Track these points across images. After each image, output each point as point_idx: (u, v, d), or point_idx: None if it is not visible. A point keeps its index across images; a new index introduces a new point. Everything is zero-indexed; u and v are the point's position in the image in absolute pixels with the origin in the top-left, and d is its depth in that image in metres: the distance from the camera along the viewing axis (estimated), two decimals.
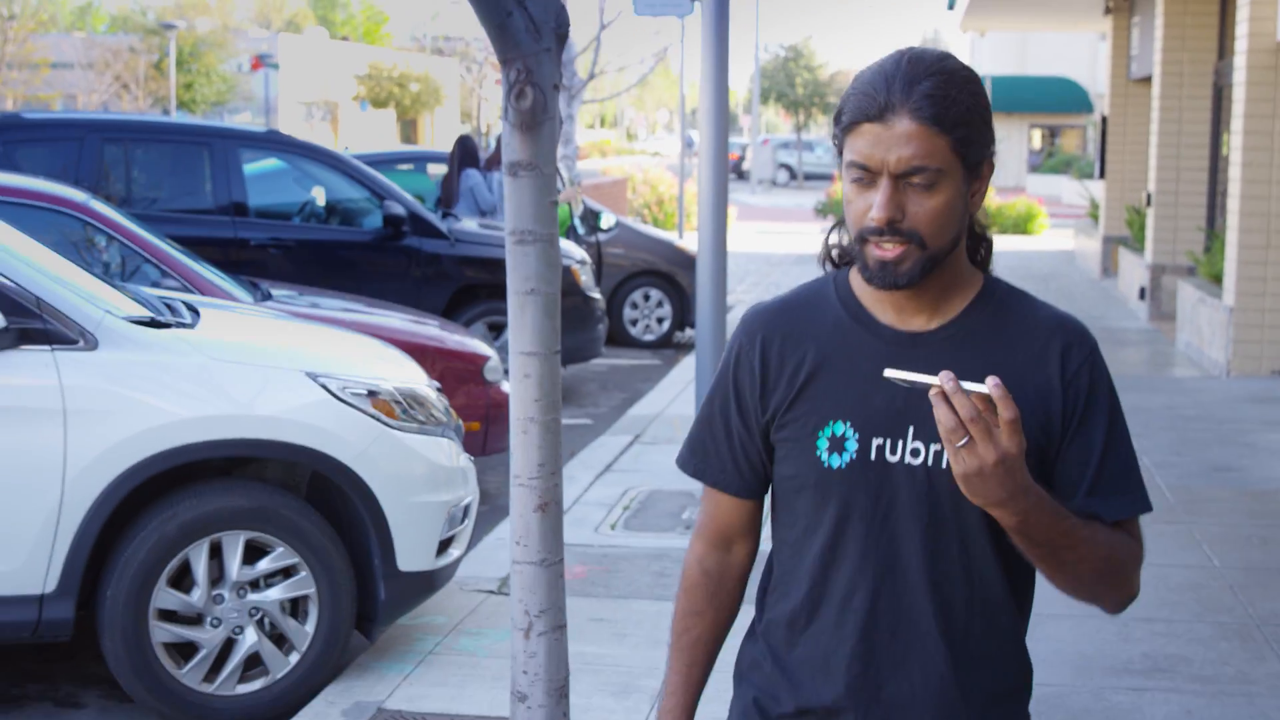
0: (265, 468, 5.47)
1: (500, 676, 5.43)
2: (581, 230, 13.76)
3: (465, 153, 13.59)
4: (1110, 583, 2.19)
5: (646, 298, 14.90)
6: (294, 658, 5.28)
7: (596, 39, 19.21)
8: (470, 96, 76.46)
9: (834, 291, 2.29)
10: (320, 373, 5.38)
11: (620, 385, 12.57)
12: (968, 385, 1.95)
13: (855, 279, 2.27)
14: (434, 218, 10.93)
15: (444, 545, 5.60)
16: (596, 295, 11.84)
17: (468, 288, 10.94)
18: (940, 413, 1.95)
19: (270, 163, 11.19)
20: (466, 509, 5.79)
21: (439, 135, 68.92)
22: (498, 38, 4.10)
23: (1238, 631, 5.98)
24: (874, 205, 2.11)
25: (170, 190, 10.35)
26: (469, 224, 11.46)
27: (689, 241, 16.96)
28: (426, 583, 5.57)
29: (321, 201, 11.18)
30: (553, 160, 4.28)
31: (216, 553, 5.18)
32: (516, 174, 4.22)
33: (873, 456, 2.19)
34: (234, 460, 5.35)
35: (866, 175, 2.12)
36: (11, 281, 5.00)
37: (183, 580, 5.17)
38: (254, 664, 5.28)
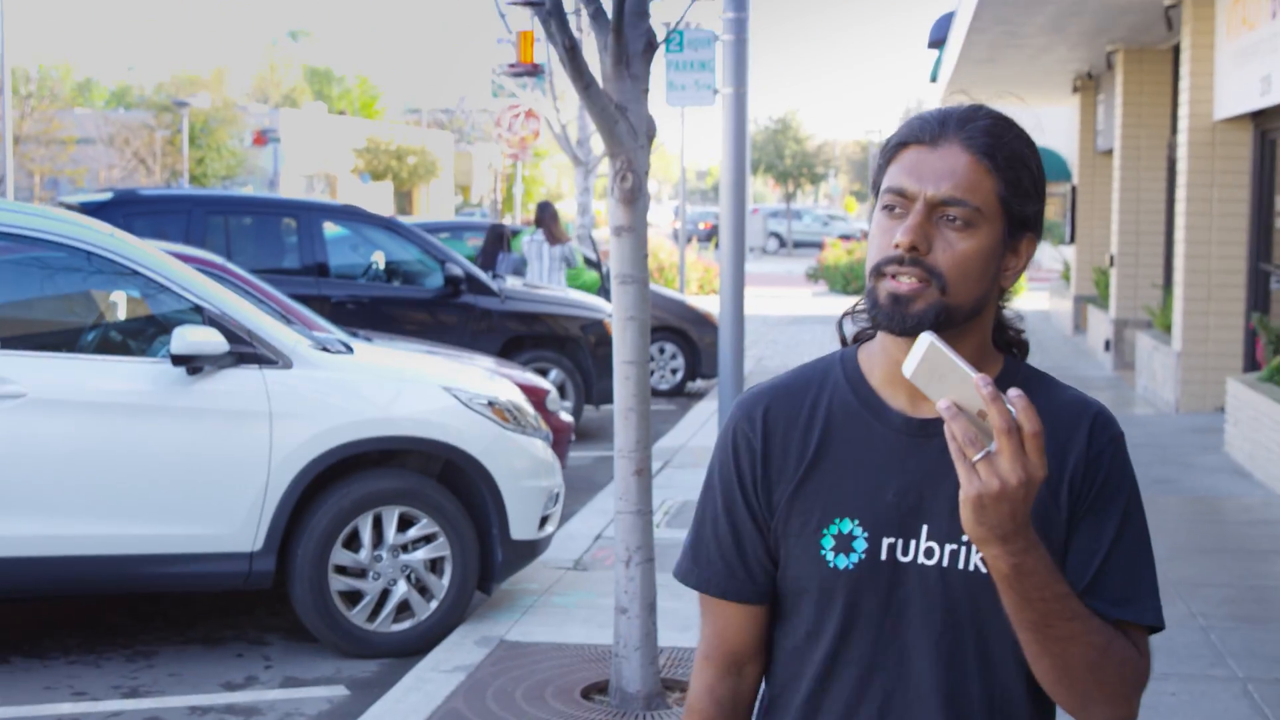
0: (408, 459, 7.13)
1: (587, 622, 7.09)
2: (609, 290, 15.51)
3: (498, 235, 15.49)
4: (1104, 686, 1.90)
5: (662, 351, 16.58)
6: (434, 604, 6.94)
7: None
8: (464, 170, 78.48)
9: (841, 372, 2.07)
10: (452, 387, 7.09)
11: None
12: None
13: (865, 358, 2.06)
14: (487, 278, 12.67)
15: (543, 521, 7.28)
16: None
17: (515, 338, 12.67)
18: (959, 425, 1.73)
19: (338, 229, 12.93)
20: (557, 495, 7.47)
21: (434, 206, 70.79)
22: (608, 138, 5.90)
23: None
24: (902, 229, 1.91)
25: (264, 254, 12.06)
26: (515, 283, 13.21)
27: (695, 302, 18.68)
28: (530, 550, 7.25)
29: (382, 264, 12.89)
30: (644, 224, 6.04)
31: (378, 523, 6.86)
32: (620, 234, 6.02)
33: (883, 557, 1.98)
34: (388, 453, 7.02)
35: (901, 202, 1.93)
36: (232, 318, 6.70)
37: (352, 543, 6.84)
38: (404, 609, 6.93)
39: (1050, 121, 50.34)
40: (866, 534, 1.98)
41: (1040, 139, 45.80)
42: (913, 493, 1.97)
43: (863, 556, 1.98)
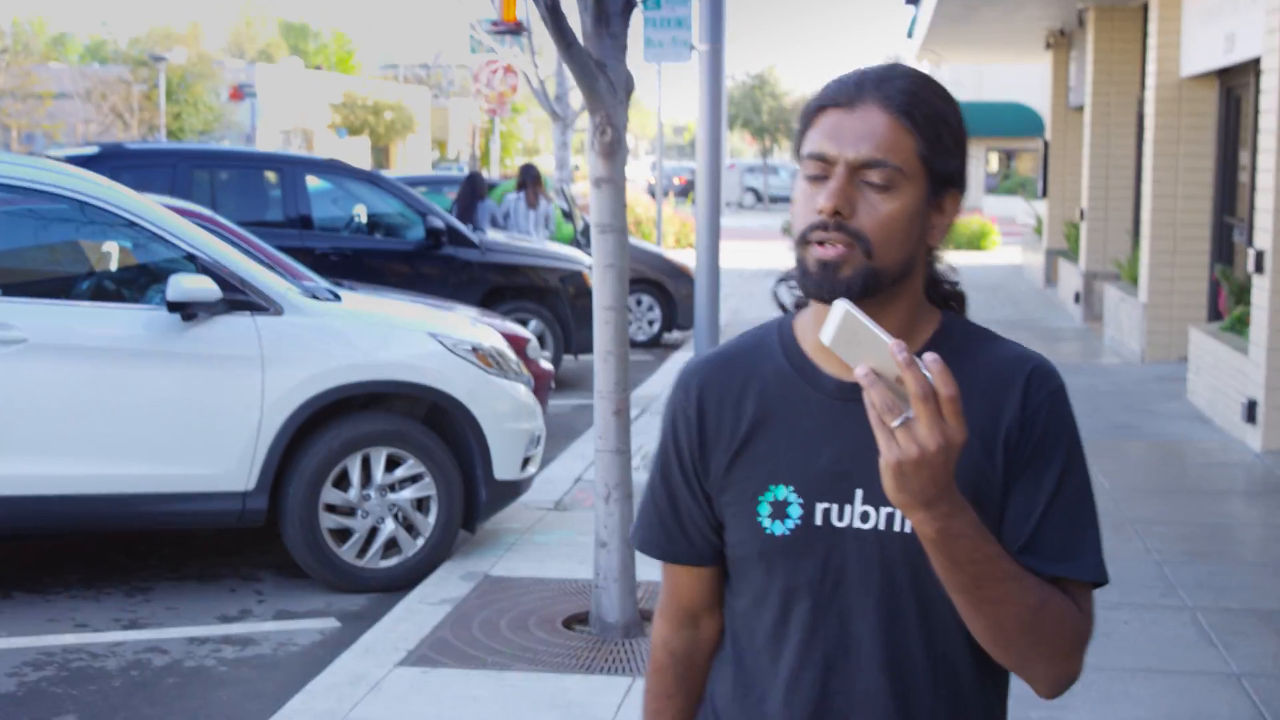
0: (394, 402, 7.40)
1: (568, 559, 7.39)
2: (584, 242, 15.76)
3: (475, 185, 15.71)
4: (1041, 646, 1.87)
5: (639, 303, 16.83)
6: (420, 541, 7.22)
7: None
8: (440, 125, 78.43)
9: (777, 340, 2.06)
10: (438, 333, 7.35)
11: None
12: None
13: (800, 325, 2.05)
14: (468, 230, 12.91)
15: (525, 463, 7.56)
16: None
17: (495, 289, 12.92)
18: (877, 392, 1.69)
19: (320, 183, 13.13)
20: (538, 438, 7.75)
21: (411, 161, 70.82)
22: (589, 95, 6.14)
23: (1115, 528, 7.97)
24: (824, 194, 1.89)
25: (248, 207, 12.27)
26: (495, 236, 13.45)
27: (672, 255, 18.94)
28: (513, 489, 7.53)
29: (364, 217, 13.11)
30: (623, 176, 6.30)
31: (366, 463, 7.12)
32: (599, 186, 6.27)
33: (818, 522, 1.97)
34: (375, 396, 7.28)
35: (822, 167, 1.91)
36: (224, 266, 6.94)
37: (342, 483, 7.11)
38: (391, 546, 7.21)
39: (1022, 76, 50.66)
40: (801, 500, 1.97)
41: (1013, 94, 45.94)
42: (846, 457, 1.95)
43: (798, 522, 1.97)
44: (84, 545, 7.86)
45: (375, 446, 7.13)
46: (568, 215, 16.84)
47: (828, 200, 1.88)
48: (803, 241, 1.92)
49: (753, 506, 2.00)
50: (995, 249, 33.07)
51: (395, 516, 7.19)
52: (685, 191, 60.60)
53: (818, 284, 1.90)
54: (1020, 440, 1.92)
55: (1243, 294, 11.45)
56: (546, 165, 57.32)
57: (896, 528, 1.94)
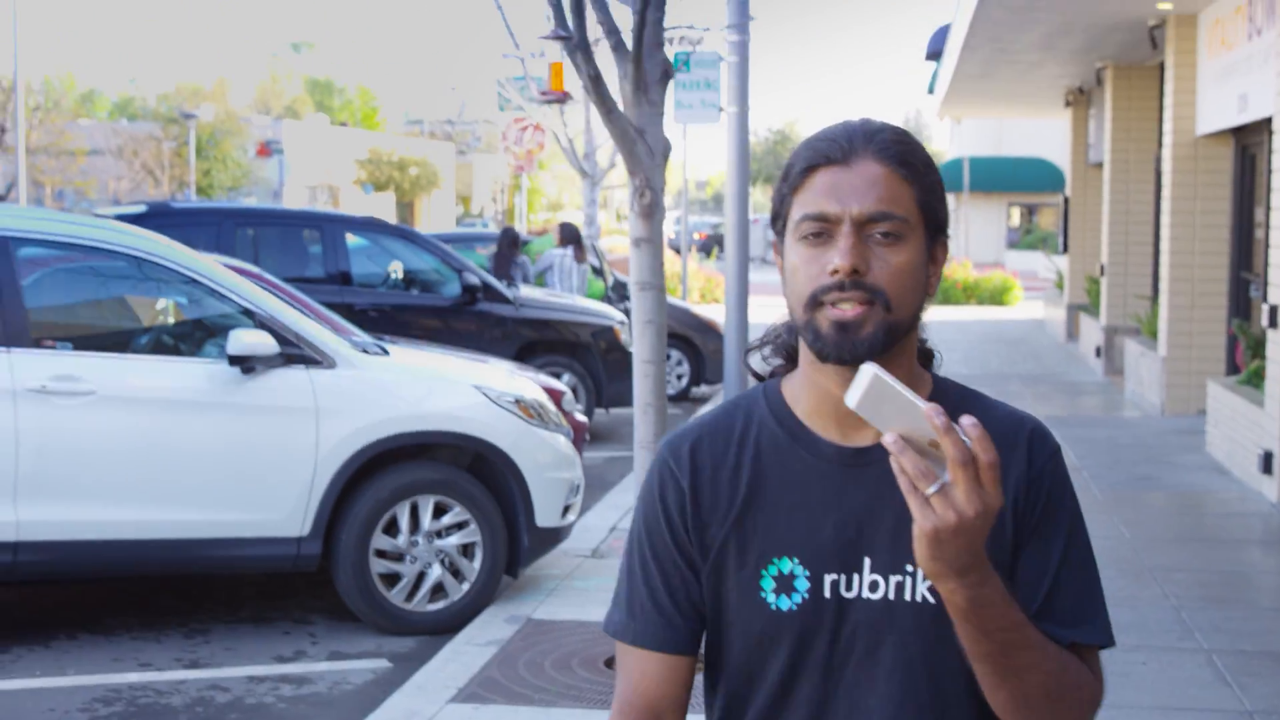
0: (441, 452, 7.71)
1: (606, 603, 7.63)
2: (614, 298, 16.12)
3: (512, 240, 16.13)
4: (1060, 713, 1.85)
5: (668, 357, 17.17)
6: (465, 586, 7.52)
7: None
8: (465, 180, 79.16)
9: (765, 407, 1.99)
10: (482, 386, 7.68)
11: None
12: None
13: (789, 388, 1.99)
14: (502, 287, 13.27)
15: (565, 510, 7.87)
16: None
17: (529, 344, 13.27)
18: (908, 458, 1.65)
19: (358, 240, 13.52)
20: (578, 486, 8.06)
21: (435, 216, 71.45)
22: (628, 158, 6.49)
23: (1135, 575, 8.23)
24: (835, 254, 1.84)
25: (289, 264, 12.64)
26: (529, 292, 13.82)
27: (698, 310, 19.28)
28: (554, 536, 7.84)
29: (400, 273, 13.49)
30: (661, 236, 6.64)
31: (414, 510, 7.44)
32: (639, 245, 6.61)
33: (827, 594, 1.91)
34: (423, 446, 7.60)
35: (824, 227, 1.86)
36: (280, 321, 7.29)
37: (391, 529, 7.42)
38: (438, 590, 7.51)
39: (1042, 131, 50.99)
40: (808, 572, 1.90)
41: (1033, 149, 46.14)
42: (851, 525, 1.90)
43: (805, 596, 1.90)
44: (143, 589, 8.18)
45: (423, 494, 7.45)
46: (598, 271, 17.21)
47: (845, 259, 1.82)
48: (813, 305, 1.85)
49: (755, 582, 1.92)
50: (1017, 304, 33.35)
51: (442, 562, 7.50)
52: (706, 247, 61.09)
53: (838, 346, 1.83)
54: (1028, 504, 1.91)
55: (1259, 348, 11.73)
56: (572, 220, 57.83)
57: (907, 596, 1.89)
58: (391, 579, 7.45)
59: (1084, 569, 1.93)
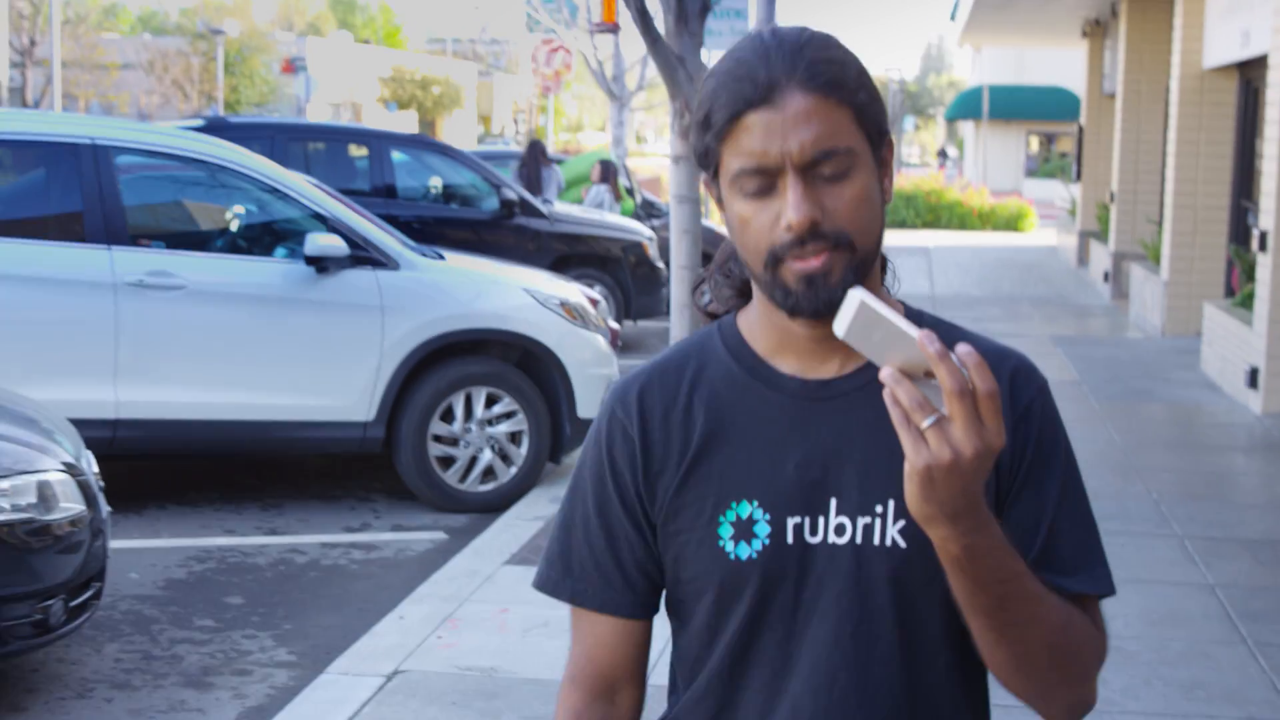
0: (493, 348, 8.48)
1: None
2: (643, 216, 16.85)
3: (540, 152, 16.84)
4: (1065, 670, 1.70)
5: None
6: (513, 469, 8.32)
7: (646, 56, 22.31)
8: (486, 100, 79.55)
9: (720, 342, 1.83)
10: (530, 289, 8.45)
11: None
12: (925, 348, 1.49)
13: (745, 322, 1.83)
14: (538, 202, 14.00)
15: None
16: (661, 265, 14.90)
17: (562, 257, 14.01)
18: (903, 389, 1.49)
19: (402, 155, 14.24)
20: (613, 382, 8.82)
21: (456, 136, 71.94)
22: (670, 83, 7.20)
23: (1123, 474, 9.00)
24: (786, 209, 1.65)
25: (337, 177, 13.37)
26: (563, 208, 14.56)
27: (721, 228, 20.02)
28: None
29: (439, 188, 14.21)
30: None
31: (468, 400, 8.23)
32: (678, 162, 7.33)
33: (790, 540, 1.74)
34: (477, 342, 8.37)
35: (763, 180, 1.66)
36: (350, 226, 8.05)
37: (447, 417, 8.21)
38: (489, 473, 8.31)
39: (1062, 60, 51.25)
40: (769, 516, 1.74)
41: (1053, 78, 46.42)
42: (816, 464, 1.74)
43: (766, 542, 1.74)
44: (222, 468, 9.00)
45: (476, 386, 8.23)
46: (628, 191, 17.91)
47: (797, 214, 1.64)
48: (774, 262, 1.67)
49: (712, 530, 1.76)
50: (1032, 231, 33.99)
51: (492, 447, 8.28)
52: None
53: (809, 300, 1.67)
54: (1016, 445, 1.74)
55: (1253, 272, 12.44)
56: (592, 141, 58.32)
57: (875, 540, 1.73)
58: (446, 461, 8.24)
59: (1081, 513, 1.79)
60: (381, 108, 68.12)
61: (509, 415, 8.30)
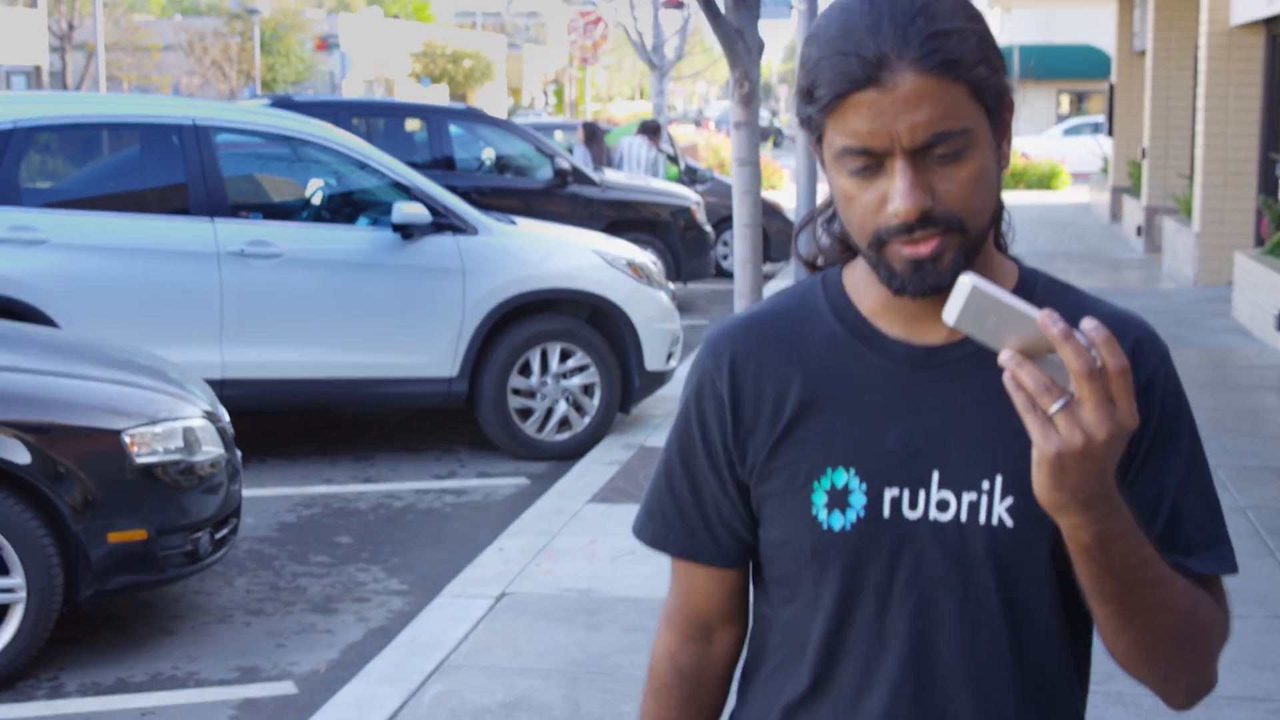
0: (565, 306, 9.06)
1: None
2: (687, 181, 17.41)
3: (594, 133, 17.47)
4: (1189, 654, 1.62)
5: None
6: (586, 419, 8.91)
7: (684, 26, 22.85)
8: (515, 73, 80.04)
9: (824, 298, 1.74)
10: (599, 250, 9.03)
11: (723, 300, 16.20)
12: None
13: (851, 278, 1.74)
14: (590, 170, 14.57)
15: (669, 357, 9.24)
16: (709, 229, 15.46)
17: (614, 223, 14.58)
18: (1027, 372, 1.41)
19: (456, 129, 14.81)
20: (678, 337, 9.42)
21: (488, 108, 72.37)
22: (729, 54, 7.75)
23: None
24: (894, 195, 1.55)
25: (398, 150, 13.94)
26: (613, 175, 15.13)
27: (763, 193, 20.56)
28: (660, 379, 9.21)
29: (492, 159, 14.79)
30: (757, 119, 7.91)
31: (544, 356, 8.82)
32: (739, 128, 7.88)
33: (886, 513, 1.66)
34: (550, 301, 8.95)
35: (869, 160, 1.57)
36: (432, 196, 8.64)
37: (524, 371, 8.80)
38: (564, 423, 8.90)
39: (1091, 18, 51.37)
40: (865, 486, 1.67)
41: (1083, 37, 46.58)
42: (919, 434, 1.66)
43: (861, 514, 1.67)
44: (308, 425, 9.62)
45: (551, 342, 8.82)
46: (673, 159, 18.46)
47: (906, 203, 1.55)
48: (879, 243, 1.60)
49: (805, 495, 1.69)
50: (1065, 189, 34.38)
51: (567, 399, 8.87)
52: (764, 135, 62.25)
53: (919, 282, 1.59)
54: (1140, 419, 1.57)
55: None
56: (621, 111, 58.77)
57: (982, 519, 1.65)
58: (525, 413, 8.83)
59: (1205, 490, 1.70)
60: (414, 82, 68.68)
61: (581, 369, 8.88)
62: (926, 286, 1.59)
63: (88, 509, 5.38)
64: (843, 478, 1.67)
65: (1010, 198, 31.25)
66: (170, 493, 5.63)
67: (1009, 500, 1.64)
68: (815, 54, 1.60)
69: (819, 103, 1.59)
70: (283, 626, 6.07)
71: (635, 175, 16.46)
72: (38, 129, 8.22)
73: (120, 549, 5.46)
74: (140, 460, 5.51)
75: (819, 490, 1.68)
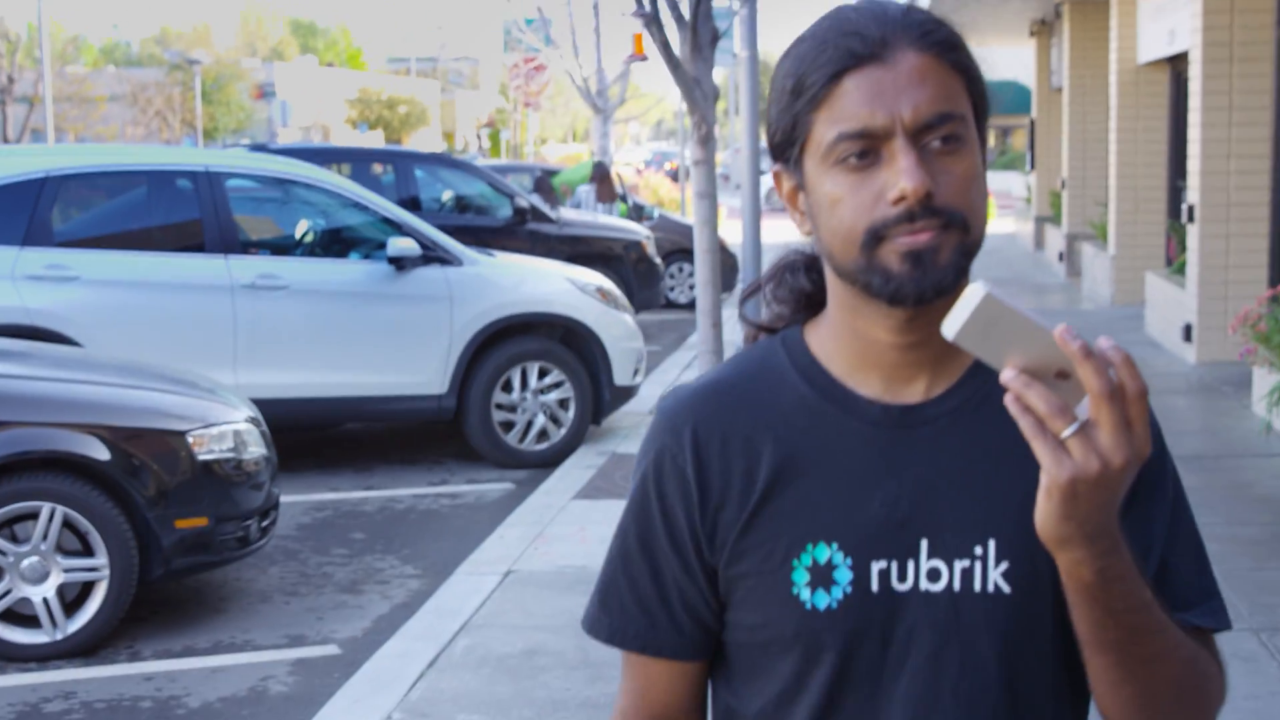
0: (541, 328, 10.01)
1: None
2: (635, 218, 18.45)
3: (607, 174, 18.57)
4: (1189, 709, 1.53)
5: (681, 269, 19.47)
6: (562, 430, 9.86)
7: (624, 71, 23.94)
8: (448, 117, 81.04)
9: (787, 360, 1.62)
10: (570, 277, 10.01)
11: (673, 329, 17.22)
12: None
13: (816, 338, 1.62)
14: (547, 208, 15.56)
15: (635, 372, 10.21)
16: (659, 261, 16.47)
17: (570, 257, 15.54)
18: (1036, 393, 1.31)
19: (421, 172, 15.77)
20: (643, 355, 10.40)
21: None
22: (688, 100, 8.77)
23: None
24: (899, 176, 1.44)
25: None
26: (568, 213, 16.14)
27: None
28: (627, 393, 10.18)
29: (450, 199, 15.75)
30: (714, 157, 8.91)
31: (524, 373, 9.77)
32: (697, 165, 8.88)
33: (875, 588, 1.54)
34: (528, 324, 9.90)
35: (868, 145, 1.46)
36: (420, 231, 9.59)
37: (506, 387, 9.74)
38: (542, 434, 9.85)
39: (1016, 56, 52.74)
40: (850, 560, 1.54)
41: (1008, 73, 47.96)
42: (904, 501, 1.54)
43: (848, 590, 1.54)
44: (308, 443, 10.53)
45: (530, 361, 9.77)
46: (621, 197, 19.50)
47: (912, 181, 1.43)
48: (874, 241, 1.47)
49: (784, 574, 1.56)
50: (992, 220, 35.61)
51: (544, 413, 9.82)
52: (676, 176, 63.34)
53: (916, 282, 1.46)
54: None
55: (1185, 242, 14.07)
56: (555, 152, 59.85)
57: (977, 586, 1.54)
58: (507, 426, 9.77)
59: (1193, 542, 1.62)
60: (350, 129, 69.53)
61: (557, 385, 9.84)
62: (926, 286, 1.47)
63: (159, 499, 6.29)
64: (825, 553, 1.55)
65: None
66: (225, 486, 6.54)
67: (1004, 565, 1.54)
68: (801, 50, 1.53)
69: (809, 92, 1.49)
70: (318, 604, 6.98)
71: (590, 212, 17.47)
72: (68, 177, 9.12)
73: (186, 534, 6.37)
74: (201, 457, 6.42)
75: (799, 568, 1.56)
